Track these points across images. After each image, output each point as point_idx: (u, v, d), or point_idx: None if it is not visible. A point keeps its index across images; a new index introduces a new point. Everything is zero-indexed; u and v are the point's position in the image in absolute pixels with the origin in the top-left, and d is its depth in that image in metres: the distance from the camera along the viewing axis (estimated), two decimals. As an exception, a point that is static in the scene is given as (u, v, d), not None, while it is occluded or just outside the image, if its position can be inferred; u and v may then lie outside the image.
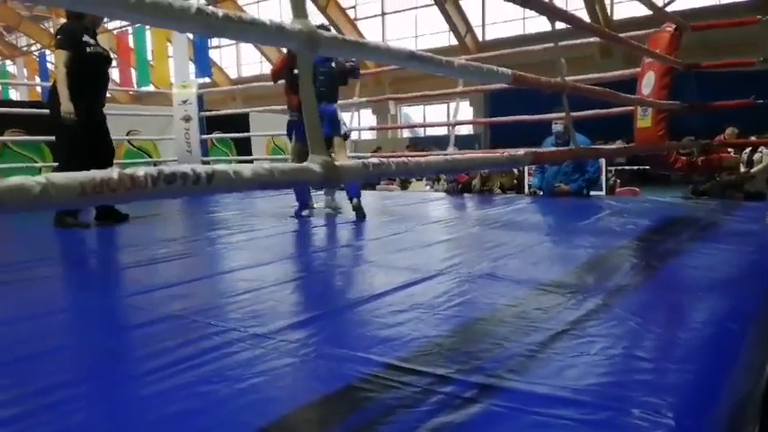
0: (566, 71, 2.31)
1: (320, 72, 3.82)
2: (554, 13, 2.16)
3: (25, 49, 24.73)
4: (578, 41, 4.64)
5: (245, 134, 8.58)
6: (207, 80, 13.17)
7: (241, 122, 8.93)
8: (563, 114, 5.07)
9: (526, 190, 6.17)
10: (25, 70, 21.63)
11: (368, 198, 5.45)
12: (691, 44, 4.34)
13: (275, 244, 3.12)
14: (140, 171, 0.93)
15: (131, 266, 2.59)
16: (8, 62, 24.37)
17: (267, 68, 20.30)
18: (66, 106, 3.54)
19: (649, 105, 3.72)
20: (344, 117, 4.29)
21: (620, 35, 3.45)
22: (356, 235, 3.48)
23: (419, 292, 1.95)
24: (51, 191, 0.81)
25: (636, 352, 1.36)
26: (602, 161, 5.78)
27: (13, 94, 21.01)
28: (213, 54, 17.79)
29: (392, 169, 1.39)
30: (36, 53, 22.74)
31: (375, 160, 1.35)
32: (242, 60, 22.12)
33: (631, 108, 4.06)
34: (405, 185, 9.41)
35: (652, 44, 3.86)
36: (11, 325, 1.72)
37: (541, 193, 5.16)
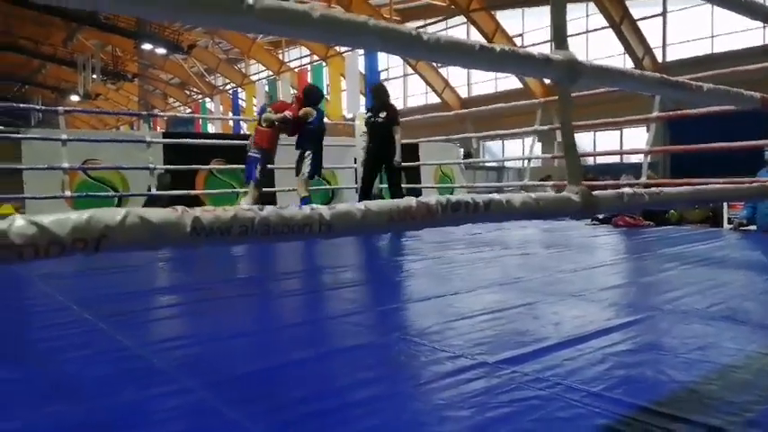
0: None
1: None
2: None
3: (221, 87, 27.94)
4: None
5: (416, 163, 8.81)
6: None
7: (411, 152, 9.21)
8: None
9: (725, 224, 5.56)
10: (221, 106, 24.43)
11: (526, 228, 5.30)
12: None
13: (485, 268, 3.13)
14: (432, 200, 0.98)
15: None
16: (207, 99, 27.69)
17: (432, 99, 20.80)
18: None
19: None
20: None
21: None
22: (540, 266, 3.38)
23: (645, 330, 1.83)
24: (369, 216, 0.88)
25: None
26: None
27: (211, 128, 23.79)
28: (383, 87, 18.62)
29: (645, 200, 1.33)
30: (230, 92, 25.68)
31: (629, 191, 1.29)
32: (408, 92, 22.89)
33: None
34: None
35: None
36: (251, 336, 1.90)
37: (753, 227, 4.61)
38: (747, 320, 1.89)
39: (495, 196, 1.05)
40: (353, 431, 1.17)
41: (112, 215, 0.67)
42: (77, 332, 1.91)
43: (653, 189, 1.36)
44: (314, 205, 0.86)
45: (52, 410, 1.30)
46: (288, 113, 5.57)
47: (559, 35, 1.23)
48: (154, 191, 6.25)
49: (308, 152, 5.58)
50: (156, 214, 0.70)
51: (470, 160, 14.00)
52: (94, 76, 23.12)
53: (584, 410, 1.22)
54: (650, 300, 2.29)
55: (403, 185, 9.51)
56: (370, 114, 5.87)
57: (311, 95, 5.78)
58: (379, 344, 1.77)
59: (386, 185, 6.13)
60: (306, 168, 5.56)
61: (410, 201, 0.95)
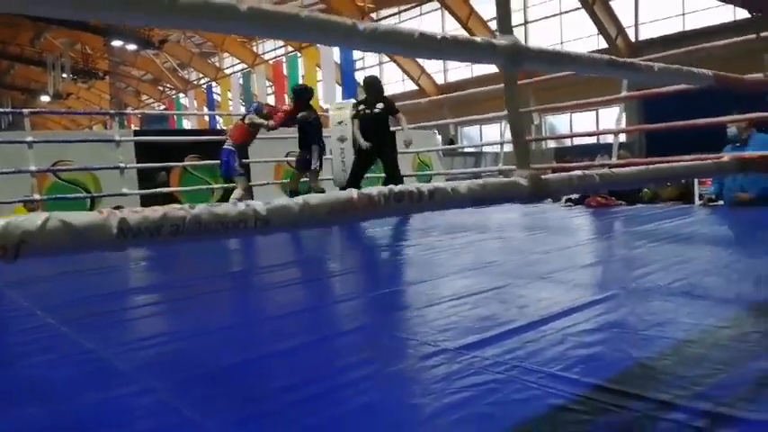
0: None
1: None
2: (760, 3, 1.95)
3: (195, 82, 27.58)
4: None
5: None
6: (353, 101, 13.76)
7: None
8: (740, 117, 4.62)
9: (696, 200, 5.64)
10: (195, 102, 24.13)
11: (504, 212, 5.35)
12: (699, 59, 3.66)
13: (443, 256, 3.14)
14: (375, 191, 0.98)
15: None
16: (181, 95, 27.33)
17: (409, 86, 20.78)
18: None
19: None
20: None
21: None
22: (513, 250, 3.41)
23: (607, 309, 1.85)
24: (307, 210, 0.88)
25: None
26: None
27: (186, 123, 23.51)
28: (358, 76, 18.54)
29: (596, 181, 1.34)
30: (204, 86, 25.36)
31: (579, 173, 1.31)
32: (384, 80, 22.81)
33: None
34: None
35: None
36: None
37: (721, 202, 4.69)
38: (707, 295, 1.93)
39: (440, 185, 1.06)
40: (308, 424, 1.17)
41: (33, 220, 0.66)
42: (40, 337, 1.88)
43: (604, 170, 1.37)
44: (253, 202, 0.86)
45: (13, 414, 1.29)
46: (271, 123, 5.92)
47: (503, 22, 1.23)
48: (125, 190, 6.16)
49: (314, 146, 5.97)
50: (80, 217, 0.70)
51: (448, 147, 14.04)
52: (64, 76, 22.70)
53: (540, 392, 1.24)
54: (615, 279, 2.32)
55: (381, 175, 9.57)
56: (363, 107, 5.78)
57: (304, 94, 6.17)
58: (344, 335, 1.78)
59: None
60: (315, 162, 5.98)
61: (351, 193, 0.95)
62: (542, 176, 1.23)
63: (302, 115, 5.89)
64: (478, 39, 1.15)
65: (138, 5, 0.73)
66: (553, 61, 1.25)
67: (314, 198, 0.88)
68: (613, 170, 1.35)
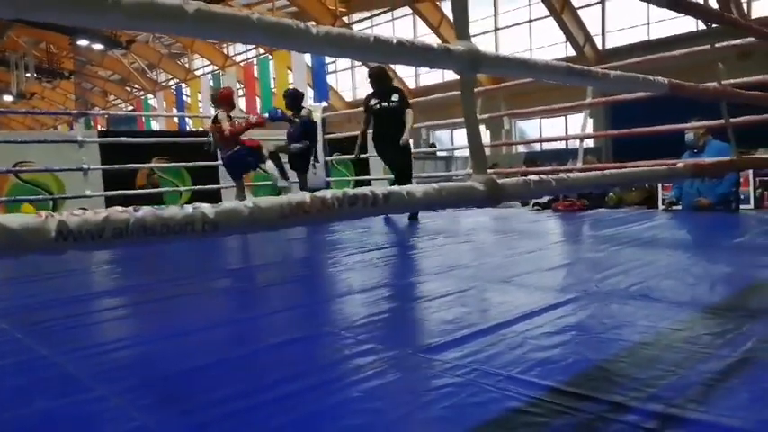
0: (723, 76, 2.14)
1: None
2: (709, 15, 2.01)
3: (164, 83, 27.18)
4: (734, 42, 4.05)
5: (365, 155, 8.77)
6: (324, 104, 13.72)
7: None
8: (698, 123, 4.75)
9: (659, 205, 5.77)
10: (165, 103, 23.77)
11: (475, 216, 5.40)
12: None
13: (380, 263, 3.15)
14: (328, 194, 0.97)
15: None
16: (150, 96, 26.89)
17: (381, 90, 20.78)
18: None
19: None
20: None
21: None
22: (478, 254, 3.44)
23: (567, 312, 1.88)
24: (257, 213, 0.87)
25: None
26: (749, 172, 5.29)
27: (155, 125, 23.14)
28: (330, 79, 18.51)
29: (552, 186, 1.36)
30: (173, 87, 24.99)
31: (536, 178, 1.32)
32: (357, 83, 22.81)
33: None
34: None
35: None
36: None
37: (680, 207, 4.81)
38: (663, 298, 1.97)
39: (395, 188, 1.06)
40: (268, 428, 1.16)
41: (-35, 223, 0.64)
42: (-9, 343, 1.83)
43: (561, 176, 1.39)
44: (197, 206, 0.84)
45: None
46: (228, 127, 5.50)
47: (460, 28, 1.24)
48: (88, 192, 6.02)
49: (311, 147, 6.18)
50: (17, 220, 0.68)
51: (422, 150, 14.08)
52: (28, 75, 22.11)
53: (497, 394, 1.25)
54: (577, 282, 2.35)
55: (352, 178, 9.56)
56: (375, 101, 5.22)
57: (297, 98, 6.28)
58: (305, 339, 1.76)
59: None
60: (313, 160, 6.24)
61: (304, 195, 0.94)
62: (498, 181, 1.24)
63: (311, 114, 6.17)
64: (434, 44, 1.16)
65: (79, 4, 0.71)
66: (510, 67, 1.27)
67: (264, 201, 0.87)
68: (569, 175, 1.37)
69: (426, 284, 2.56)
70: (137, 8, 0.75)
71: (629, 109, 7.14)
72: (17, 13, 0.66)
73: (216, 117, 5.54)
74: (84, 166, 6.04)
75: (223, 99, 5.68)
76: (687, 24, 13.50)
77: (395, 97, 5.20)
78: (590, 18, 15.88)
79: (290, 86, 11.04)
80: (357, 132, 5.67)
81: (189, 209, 0.80)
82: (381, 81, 5.34)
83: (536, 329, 1.69)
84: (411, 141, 5.49)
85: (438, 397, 1.25)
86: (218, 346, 1.76)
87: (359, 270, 2.97)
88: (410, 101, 5.39)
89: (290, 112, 6.24)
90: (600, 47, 15.94)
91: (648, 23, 14.76)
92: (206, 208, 0.81)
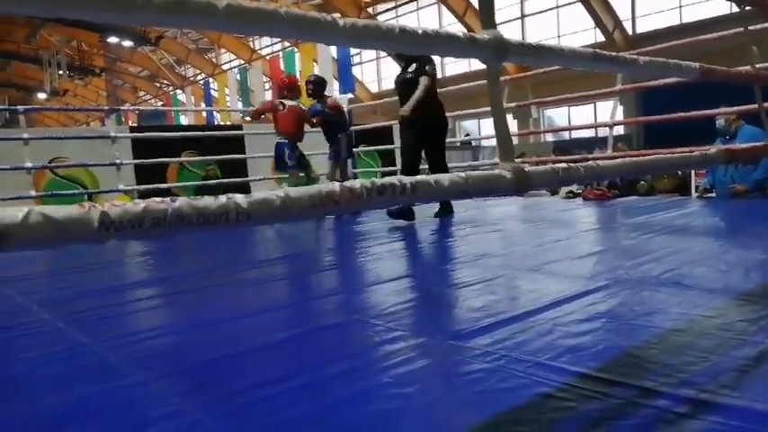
0: (757, 59, 2.09)
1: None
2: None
3: (192, 78, 27.52)
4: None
5: (390, 146, 8.78)
6: (350, 96, 13.73)
7: (385, 135, 9.18)
8: (729, 109, 4.62)
9: (692, 192, 5.65)
10: (193, 98, 24.08)
11: (504, 205, 5.36)
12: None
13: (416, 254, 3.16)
14: (357, 183, 0.99)
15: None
16: (178, 91, 27.27)
17: (406, 80, 20.68)
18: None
19: None
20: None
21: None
22: (507, 243, 3.42)
23: (598, 300, 1.87)
24: (288, 202, 0.89)
25: None
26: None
27: (183, 119, 23.45)
28: (355, 70, 18.50)
29: (580, 173, 1.35)
30: (201, 82, 25.30)
31: (564, 165, 1.32)
32: (382, 75, 22.77)
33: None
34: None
35: None
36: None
37: (714, 194, 4.71)
38: (695, 285, 1.95)
39: (422, 177, 1.07)
40: (299, 414, 1.19)
41: (15, 213, 0.68)
42: (34, 333, 1.90)
43: (590, 163, 1.38)
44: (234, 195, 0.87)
45: (2, 408, 1.31)
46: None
47: (486, 16, 1.24)
48: (122, 186, 6.17)
49: (340, 136, 5.92)
50: (61, 211, 0.71)
51: (457, 138, 14.01)
52: (61, 73, 22.64)
53: (527, 380, 1.26)
54: (607, 270, 2.33)
55: (378, 169, 9.56)
56: (400, 73, 4.75)
57: (322, 85, 6.06)
58: (334, 327, 1.79)
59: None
60: (344, 152, 5.95)
61: (334, 185, 0.96)
62: (526, 169, 1.24)
63: (336, 105, 5.99)
64: (460, 34, 1.16)
65: (111, 2, 0.74)
66: (536, 55, 1.26)
67: (295, 191, 0.90)
68: (598, 162, 1.37)
69: (455, 273, 2.57)
70: (169, 4, 0.77)
71: (660, 95, 7.01)
72: (56, 12, 0.69)
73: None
74: (117, 161, 6.18)
75: (285, 86, 6.10)
76: (720, 7, 13.12)
77: (411, 67, 4.59)
78: (619, 2, 15.54)
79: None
80: (383, 123, 5.68)
81: (223, 199, 0.83)
82: (402, 55, 4.86)
83: (566, 317, 1.69)
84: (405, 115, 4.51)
85: (467, 383, 1.27)
86: (249, 334, 1.80)
87: (387, 259, 3.00)
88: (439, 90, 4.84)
89: (311, 101, 6.11)
90: (630, 32, 15.60)
91: (680, 6, 14.38)
92: (239, 198, 0.84)
